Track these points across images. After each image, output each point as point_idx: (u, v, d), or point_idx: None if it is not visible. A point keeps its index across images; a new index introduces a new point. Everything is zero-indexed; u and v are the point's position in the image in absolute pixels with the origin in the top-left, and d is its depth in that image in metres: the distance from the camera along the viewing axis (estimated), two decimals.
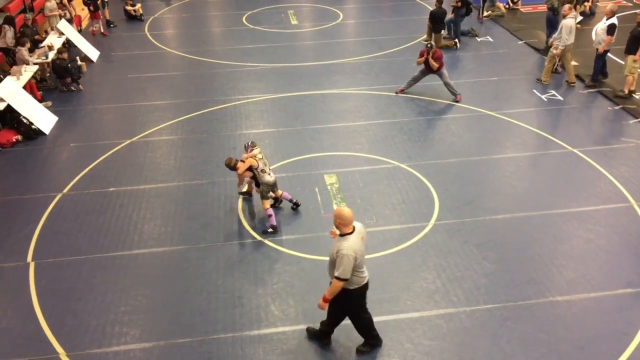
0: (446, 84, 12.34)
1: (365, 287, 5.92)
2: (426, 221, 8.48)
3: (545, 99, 12.32)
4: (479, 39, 16.05)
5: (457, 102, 12.24)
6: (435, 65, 12.03)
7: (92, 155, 10.46)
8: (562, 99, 12.34)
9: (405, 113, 11.86)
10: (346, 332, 6.55)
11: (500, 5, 17.72)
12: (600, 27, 12.30)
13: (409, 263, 7.67)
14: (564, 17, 12.70)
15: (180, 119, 11.87)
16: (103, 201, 9.13)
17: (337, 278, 5.60)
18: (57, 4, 16.13)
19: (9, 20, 14.16)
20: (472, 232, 8.22)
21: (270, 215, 8.25)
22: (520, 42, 15.47)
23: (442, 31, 15.41)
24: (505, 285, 7.25)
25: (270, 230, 8.25)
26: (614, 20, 12.04)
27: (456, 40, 15.46)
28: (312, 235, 8.23)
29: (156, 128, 11.50)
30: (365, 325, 6.25)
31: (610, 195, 9.00)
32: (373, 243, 8.04)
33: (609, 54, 12.69)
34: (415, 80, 12.55)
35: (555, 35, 12.92)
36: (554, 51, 12.65)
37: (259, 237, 8.20)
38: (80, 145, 10.90)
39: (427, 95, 12.54)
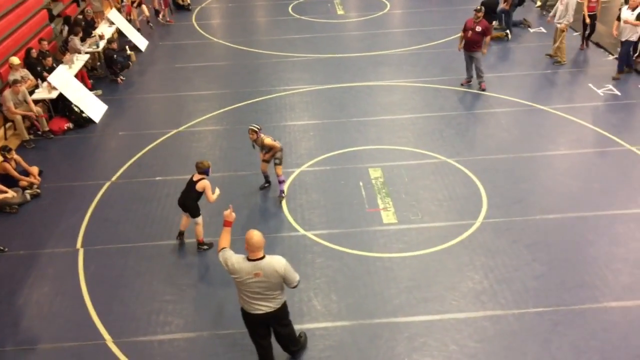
0: (478, 70, 12.05)
1: (246, 315, 5.54)
2: (474, 219, 8.25)
3: (602, 94, 11.80)
4: (531, 30, 15.51)
5: (482, 90, 12.09)
6: (488, 37, 11.72)
7: (140, 144, 10.63)
8: (619, 93, 11.79)
9: (454, 106, 11.57)
10: (390, 330, 6.46)
11: None
12: (628, 18, 11.77)
13: (455, 262, 7.48)
14: None
15: (226, 109, 11.92)
16: (150, 190, 9.26)
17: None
18: None
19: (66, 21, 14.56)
20: (522, 231, 7.95)
21: (283, 181, 8.78)
22: (576, 34, 14.84)
23: (493, 22, 14.95)
24: (556, 288, 6.98)
25: (283, 195, 8.79)
26: None
27: (507, 31, 14.98)
28: (356, 230, 8.13)
29: (202, 118, 11.59)
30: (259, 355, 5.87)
31: None
32: (418, 240, 7.89)
33: None
34: (469, 66, 12.23)
35: (558, 13, 13.08)
36: (559, 26, 13.01)
37: (302, 231, 8.16)
38: (129, 134, 11.09)
39: (477, 88, 12.20)
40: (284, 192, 8.83)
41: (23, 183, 9.22)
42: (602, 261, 7.37)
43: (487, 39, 11.79)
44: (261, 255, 5.29)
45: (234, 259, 5.32)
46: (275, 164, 8.61)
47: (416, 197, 8.79)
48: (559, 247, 7.64)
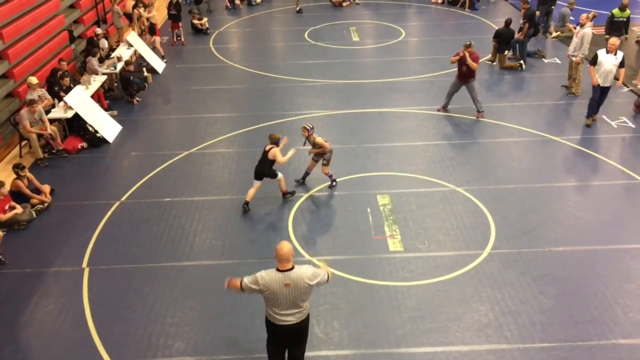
0: (474, 99, 12.15)
1: (271, 325, 5.58)
2: (481, 249, 8.15)
3: (616, 126, 11.69)
4: (545, 61, 15.50)
5: (478, 118, 12.12)
6: (473, 65, 11.72)
7: (151, 165, 10.73)
8: (633, 126, 11.68)
9: (465, 135, 11.54)
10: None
11: (571, 26, 17.07)
12: (612, 64, 11.21)
13: (460, 292, 7.37)
14: (582, 26, 12.80)
15: (238, 132, 12.01)
16: (158, 211, 9.31)
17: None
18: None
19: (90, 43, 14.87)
20: (529, 263, 7.83)
21: (331, 175, 9.69)
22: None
23: (506, 52, 15.01)
24: (563, 323, 6.83)
25: (334, 184, 9.73)
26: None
27: (522, 61, 14.99)
28: (361, 257, 8.07)
29: (214, 140, 11.68)
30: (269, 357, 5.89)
31: None
32: (424, 269, 7.81)
33: None
34: (451, 93, 12.35)
35: (573, 45, 13.08)
36: (574, 59, 12.92)
37: (307, 256, 8.12)
38: (141, 155, 11.20)
39: (489, 118, 12.17)
40: (335, 182, 9.78)
41: (34, 201, 9.33)
42: (611, 296, 7.22)
43: (474, 65, 11.77)
44: (290, 266, 5.40)
45: (264, 273, 5.42)
46: (323, 164, 9.52)
47: (423, 225, 8.72)
48: (568, 280, 7.50)
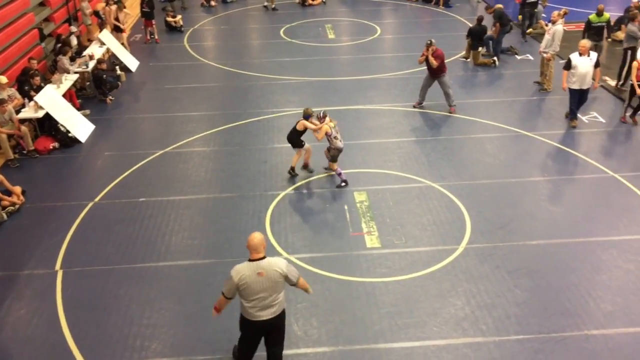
0: (446, 94, 12.26)
1: (248, 323, 5.63)
2: (457, 244, 8.24)
3: (586, 121, 11.92)
4: (518, 57, 15.71)
5: (450, 113, 12.24)
6: (434, 62, 11.83)
7: (126, 165, 10.58)
8: (603, 121, 11.92)
9: (440, 131, 11.64)
10: (370, 356, 6.38)
11: (543, 22, 17.31)
12: (588, 65, 11.15)
13: (437, 287, 7.44)
14: (553, 23, 12.95)
15: (214, 130, 11.93)
16: (133, 211, 9.20)
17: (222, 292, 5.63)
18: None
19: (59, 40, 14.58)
20: (504, 257, 7.94)
21: (340, 174, 9.63)
22: (562, 61, 15.02)
23: (480, 48, 15.16)
24: (537, 315, 6.95)
25: (343, 184, 9.61)
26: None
27: (495, 58, 15.16)
28: (339, 254, 8.09)
29: (189, 139, 11.58)
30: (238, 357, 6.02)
31: None
32: (401, 265, 7.86)
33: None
34: (424, 88, 12.48)
35: (544, 42, 13.22)
36: (546, 56, 13.12)
37: (285, 254, 8.11)
38: (115, 155, 11.04)
39: (463, 114, 12.30)
40: (343, 183, 9.64)
41: (5, 203, 9.13)
42: (584, 288, 7.36)
43: (433, 62, 11.89)
44: (262, 255, 5.49)
45: (237, 266, 5.51)
46: (329, 161, 9.70)
47: (400, 221, 8.77)
48: (541, 273, 7.63)
